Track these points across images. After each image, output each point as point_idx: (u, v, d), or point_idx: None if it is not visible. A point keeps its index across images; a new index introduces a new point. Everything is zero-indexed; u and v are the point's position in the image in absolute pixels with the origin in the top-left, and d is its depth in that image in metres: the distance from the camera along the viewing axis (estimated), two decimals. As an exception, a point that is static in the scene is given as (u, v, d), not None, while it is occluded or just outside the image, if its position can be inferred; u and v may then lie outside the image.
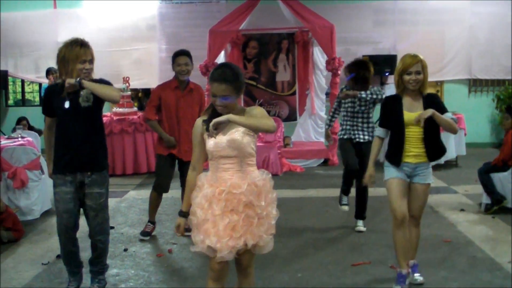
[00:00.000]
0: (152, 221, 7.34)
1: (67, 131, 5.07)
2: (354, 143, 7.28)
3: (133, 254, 6.63)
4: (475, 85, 14.81)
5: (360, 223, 7.40)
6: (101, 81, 5.16)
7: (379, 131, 5.53)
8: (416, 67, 5.11)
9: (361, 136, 7.23)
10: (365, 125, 7.26)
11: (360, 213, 7.42)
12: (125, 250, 6.71)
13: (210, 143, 3.98)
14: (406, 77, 5.14)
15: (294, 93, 13.40)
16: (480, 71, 14.60)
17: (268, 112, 12.80)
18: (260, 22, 13.10)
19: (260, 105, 13.05)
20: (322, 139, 12.94)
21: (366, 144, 7.11)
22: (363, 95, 7.02)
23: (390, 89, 12.49)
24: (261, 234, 3.98)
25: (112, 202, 8.82)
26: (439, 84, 14.69)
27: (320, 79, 13.27)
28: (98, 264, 5.47)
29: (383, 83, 13.55)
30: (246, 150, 4.00)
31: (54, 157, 5.20)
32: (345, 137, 7.34)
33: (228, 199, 3.92)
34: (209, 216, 3.92)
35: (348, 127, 7.31)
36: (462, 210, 8.29)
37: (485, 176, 8.15)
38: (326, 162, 12.34)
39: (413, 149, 5.22)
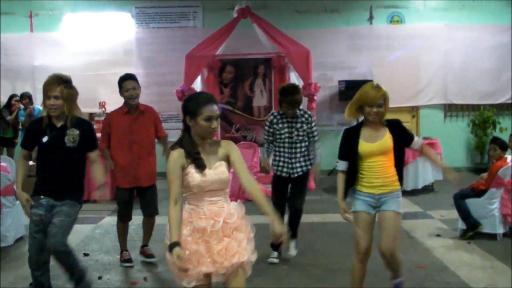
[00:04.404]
0: (126, 250, 7.28)
1: (47, 164, 5.34)
2: (291, 179, 7.06)
3: (107, 282, 6.56)
4: (451, 110, 14.94)
5: (292, 244, 7.26)
6: (80, 124, 5.42)
7: (341, 165, 5.29)
8: (379, 99, 5.01)
9: (299, 170, 6.99)
10: (304, 157, 7.02)
11: (292, 232, 7.19)
12: (100, 278, 6.64)
13: (199, 178, 4.05)
14: (367, 109, 5.05)
15: (270, 118, 13.40)
16: (455, 96, 14.76)
17: (245, 137, 12.92)
18: (236, 47, 13.16)
19: (237, 130, 13.08)
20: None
21: (303, 175, 7.02)
22: (298, 125, 6.89)
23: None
24: (251, 248, 4.20)
25: (87, 228, 8.81)
26: (415, 109, 14.83)
27: (296, 104, 13.28)
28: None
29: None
30: (229, 183, 4.23)
31: (35, 183, 5.45)
32: (283, 174, 7.06)
33: (222, 227, 4.09)
34: (201, 246, 4.04)
35: (286, 159, 7.00)
36: (438, 235, 8.31)
37: (460, 201, 8.18)
38: (302, 187, 12.29)
39: (375, 180, 5.13)
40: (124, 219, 7.21)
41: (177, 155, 4.08)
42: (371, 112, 5.03)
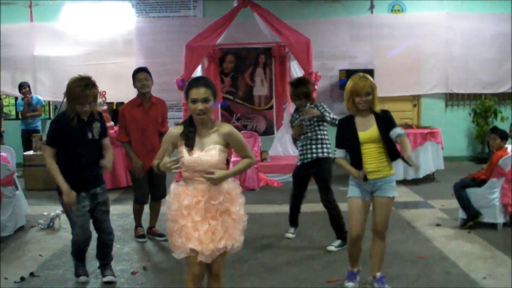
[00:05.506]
0: (140, 226, 7.74)
1: (82, 157, 5.64)
2: (309, 164, 7.19)
3: (108, 271, 6.55)
4: (452, 99, 14.92)
5: (336, 243, 7.15)
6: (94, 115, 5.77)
7: (338, 153, 5.55)
8: (367, 89, 5.29)
9: (314, 153, 7.14)
10: (314, 141, 7.14)
11: (336, 232, 7.25)
12: (100, 267, 6.64)
13: (188, 158, 4.24)
14: (357, 99, 5.32)
15: (271, 108, 13.39)
16: (456, 85, 14.72)
17: (245, 126, 12.92)
18: (237, 36, 13.14)
19: (238, 119, 13.10)
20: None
21: (322, 160, 7.11)
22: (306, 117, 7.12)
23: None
24: (237, 236, 4.39)
25: (87, 218, 8.76)
26: (416, 98, 14.80)
27: (297, 93, 13.27)
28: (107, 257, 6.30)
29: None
30: (221, 166, 4.33)
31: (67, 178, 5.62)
32: (298, 163, 7.35)
33: (207, 208, 4.26)
34: (189, 223, 4.22)
35: (308, 145, 7.18)
36: (438, 225, 8.30)
37: (461, 191, 8.17)
38: (303, 177, 12.29)
39: (369, 166, 5.35)
40: (140, 200, 7.62)
41: (175, 131, 4.33)
42: (361, 101, 5.33)
